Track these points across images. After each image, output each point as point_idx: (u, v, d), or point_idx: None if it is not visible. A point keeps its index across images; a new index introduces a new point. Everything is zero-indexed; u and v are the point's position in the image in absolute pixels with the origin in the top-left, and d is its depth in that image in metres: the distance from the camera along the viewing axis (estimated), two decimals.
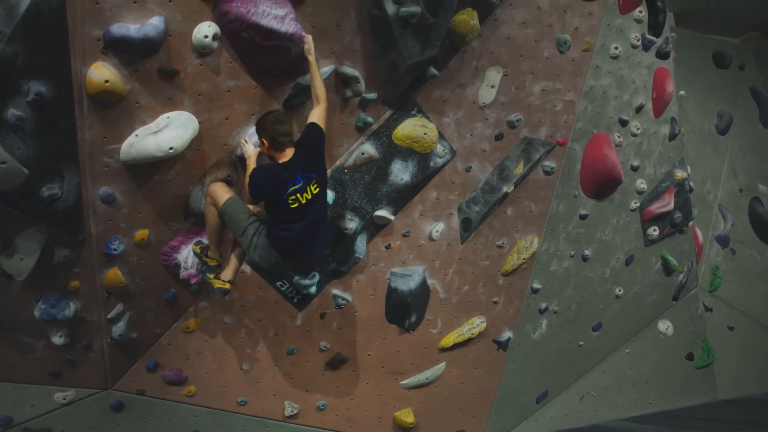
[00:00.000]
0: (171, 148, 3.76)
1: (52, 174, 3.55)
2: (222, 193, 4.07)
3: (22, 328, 4.20)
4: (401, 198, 5.06)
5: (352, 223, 4.85)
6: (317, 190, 3.88)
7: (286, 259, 4.03)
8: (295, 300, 4.98)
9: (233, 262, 4.29)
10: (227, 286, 4.22)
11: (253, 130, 4.23)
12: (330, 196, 4.74)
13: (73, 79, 3.45)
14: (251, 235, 3.99)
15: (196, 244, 4.34)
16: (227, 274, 4.26)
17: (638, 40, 5.80)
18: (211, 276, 4.25)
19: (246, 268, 4.76)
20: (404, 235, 5.19)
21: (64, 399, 4.54)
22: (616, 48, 5.65)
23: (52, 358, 4.38)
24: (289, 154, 3.84)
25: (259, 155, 4.23)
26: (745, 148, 8.35)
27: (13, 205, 3.49)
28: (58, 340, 4.25)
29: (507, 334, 5.91)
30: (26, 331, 4.22)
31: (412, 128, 4.87)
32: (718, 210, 8.00)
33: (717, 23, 8.31)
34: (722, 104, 8.23)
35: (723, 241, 7.91)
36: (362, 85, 4.54)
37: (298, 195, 3.81)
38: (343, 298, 5.11)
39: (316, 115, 3.96)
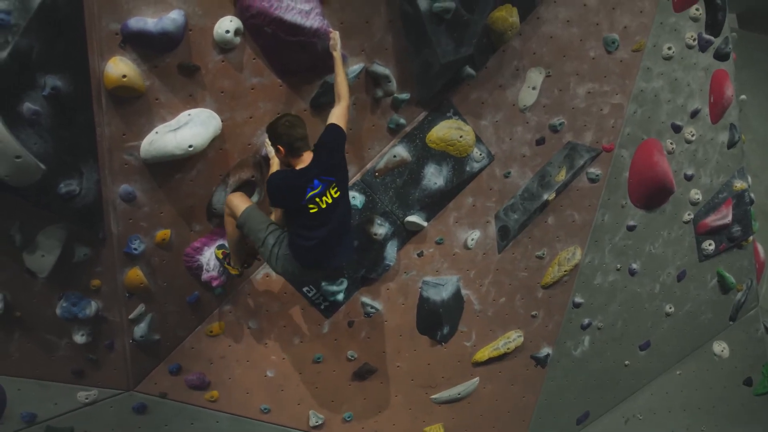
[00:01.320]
0: (190, 146, 3.65)
1: (70, 170, 3.50)
2: (239, 203, 3.97)
3: (45, 326, 4.18)
4: (435, 204, 4.83)
5: (381, 229, 4.65)
6: (338, 193, 3.71)
7: (306, 268, 3.88)
8: (323, 307, 4.82)
9: (232, 252, 4.20)
10: (238, 272, 4.24)
11: None
12: (359, 200, 4.57)
13: (90, 74, 3.39)
14: (271, 246, 3.85)
15: (219, 247, 4.24)
16: (233, 261, 4.23)
17: (694, 40, 5.41)
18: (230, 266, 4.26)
19: (272, 273, 4.63)
20: (438, 243, 4.96)
21: (87, 398, 4.51)
22: (669, 48, 5.28)
23: (75, 357, 4.35)
24: (306, 159, 3.67)
25: None
26: None
27: (31, 201, 3.45)
28: (80, 338, 4.21)
29: (546, 350, 5.59)
30: (49, 329, 4.20)
31: (447, 131, 4.65)
32: None
33: None
34: None
35: None
36: (394, 85, 4.35)
37: (318, 200, 3.64)
38: (373, 307, 4.92)
39: (336, 115, 3.79)
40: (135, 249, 4.02)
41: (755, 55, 7.35)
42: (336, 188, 3.69)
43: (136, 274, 4.13)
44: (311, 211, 3.63)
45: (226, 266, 4.18)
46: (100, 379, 4.48)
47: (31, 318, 4.12)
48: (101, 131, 3.59)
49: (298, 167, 3.65)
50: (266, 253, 3.89)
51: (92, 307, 4.13)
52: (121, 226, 3.95)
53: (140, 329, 4.34)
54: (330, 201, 3.66)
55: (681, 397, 6.47)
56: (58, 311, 4.07)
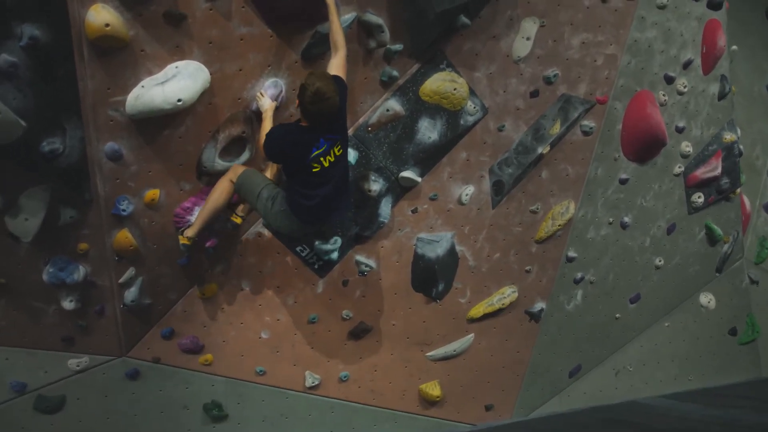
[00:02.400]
0: (179, 101, 3.48)
1: (52, 127, 3.32)
2: (240, 167, 3.94)
3: (32, 293, 4.03)
4: (429, 158, 4.73)
5: (376, 185, 4.55)
6: (340, 151, 3.62)
7: (306, 225, 3.81)
8: (316, 266, 4.73)
9: (200, 221, 4.03)
10: (188, 242, 4.04)
11: (269, 82, 3.94)
12: (352, 155, 4.45)
13: (70, 23, 3.17)
14: (265, 199, 3.76)
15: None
16: (190, 231, 4.04)
17: None
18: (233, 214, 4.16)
19: (264, 231, 4.52)
20: (432, 199, 4.88)
21: (78, 366, 4.38)
22: None
23: (64, 324, 4.22)
24: None
25: (276, 110, 3.96)
26: None
27: (12, 160, 3.27)
28: (68, 305, 4.07)
29: (540, 305, 5.59)
30: (36, 296, 4.06)
31: (440, 83, 4.53)
32: None
33: None
34: None
35: None
36: (387, 35, 4.19)
37: (322, 159, 3.55)
38: (367, 265, 4.84)
39: (335, 66, 3.64)
40: (123, 210, 3.87)
41: (740, 5, 7.27)
42: (339, 146, 3.59)
43: (125, 236, 3.98)
44: (314, 170, 3.53)
45: (179, 236, 4.03)
46: (91, 346, 4.36)
47: (17, 285, 3.97)
48: (84, 85, 3.39)
49: (303, 124, 3.51)
50: (261, 207, 3.81)
51: (80, 271, 3.98)
52: (108, 187, 3.78)
53: (131, 293, 4.21)
54: (333, 159, 3.56)
55: (669, 348, 6.55)
56: (44, 277, 3.92)
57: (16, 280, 3.96)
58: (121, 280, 4.14)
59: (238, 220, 4.16)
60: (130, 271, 4.15)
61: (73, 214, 3.77)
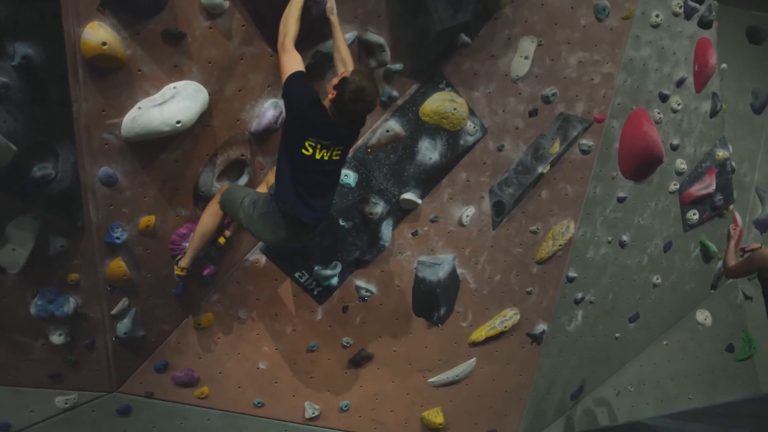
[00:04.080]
0: (178, 122, 3.33)
1: (44, 152, 3.14)
2: (223, 188, 3.76)
3: (18, 327, 3.80)
4: (429, 180, 4.63)
5: (377, 208, 4.42)
6: (337, 157, 3.41)
7: (283, 218, 3.46)
8: (315, 292, 4.57)
9: (191, 249, 3.86)
10: (183, 273, 3.88)
11: (269, 103, 3.81)
12: (352, 178, 4.33)
13: (65, 41, 3.01)
14: (247, 206, 3.52)
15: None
16: (184, 261, 3.87)
17: (680, 7, 5.34)
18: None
19: (262, 258, 4.36)
20: (432, 221, 4.77)
21: (66, 403, 4.15)
22: (657, 16, 5.20)
23: (52, 359, 3.99)
24: None
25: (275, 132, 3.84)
26: None
27: (1, 187, 3.08)
28: (57, 339, 3.86)
29: (541, 327, 5.49)
30: (22, 330, 3.83)
31: (440, 103, 4.45)
32: (755, 193, 7.55)
33: None
34: (757, 82, 7.76)
35: (761, 225, 7.46)
36: (387, 54, 4.10)
37: (316, 146, 3.29)
38: (367, 290, 4.70)
39: None
40: (117, 238, 3.68)
41: (722, 25, 7.38)
42: (338, 153, 3.41)
43: (118, 265, 3.79)
44: (303, 151, 3.28)
45: (175, 267, 3.88)
46: (81, 382, 4.13)
47: (2, 318, 3.73)
48: (78, 107, 3.22)
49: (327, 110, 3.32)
50: (244, 217, 3.55)
51: (70, 303, 3.77)
52: (101, 214, 3.59)
53: (123, 325, 4.01)
54: (326, 158, 3.34)
55: (668, 367, 6.50)
56: (32, 310, 3.70)
57: (1, 313, 3.72)
58: (113, 312, 3.94)
59: (222, 240, 4.01)
60: (123, 302, 3.95)
61: (64, 243, 3.57)
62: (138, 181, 3.62)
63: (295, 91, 3.21)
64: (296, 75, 3.21)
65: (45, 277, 3.66)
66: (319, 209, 3.51)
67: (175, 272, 3.88)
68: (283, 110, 3.86)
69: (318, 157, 3.31)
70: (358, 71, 3.29)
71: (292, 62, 3.23)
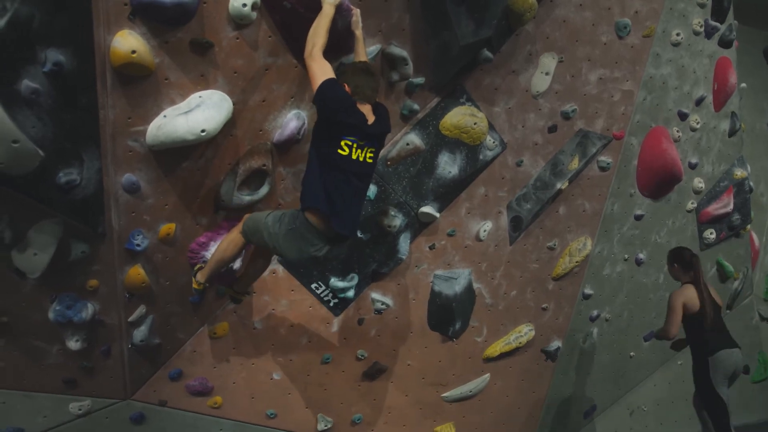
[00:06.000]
0: (203, 131, 3.34)
1: (70, 158, 3.14)
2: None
3: (35, 332, 3.79)
4: (448, 193, 4.62)
5: (396, 220, 4.42)
6: (371, 159, 3.44)
7: (311, 233, 3.39)
8: (332, 304, 4.56)
9: (208, 268, 3.83)
10: (200, 287, 3.85)
11: (292, 113, 3.82)
12: (372, 190, 4.32)
13: (95, 49, 3.04)
14: (271, 224, 3.47)
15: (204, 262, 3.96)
16: (201, 276, 3.84)
17: (701, 26, 5.35)
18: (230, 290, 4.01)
19: (279, 268, 4.35)
20: (449, 235, 4.75)
21: (80, 410, 4.13)
22: (678, 34, 5.21)
23: (67, 365, 3.97)
24: (368, 110, 3.43)
25: (297, 143, 3.84)
26: None
27: (27, 192, 3.09)
28: (74, 344, 3.84)
29: (556, 344, 5.45)
30: (39, 335, 3.82)
31: (461, 117, 4.45)
32: None
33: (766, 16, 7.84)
34: None
35: None
36: (410, 68, 4.11)
37: (352, 146, 3.32)
38: (383, 303, 4.68)
39: None
40: (138, 245, 3.68)
41: (742, 46, 7.38)
42: (371, 153, 3.45)
43: (137, 272, 3.78)
44: (340, 151, 3.30)
45: (193, 278, 3.85)
46: (95, 388, 4.11)
47: (19, 323, 3.72)
48: (105, 114, 3.24)
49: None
50: (269, 237, 3.49)
51: (89, 309, 3.76)
52: (122, 220, 3.59)
53: (140, 333, 4.00)
54: (361, 159, 3.37)
55: (683, 388, 6.40)
56: (50, 315, 3.69)
57: (19, 318, 3.72)
58: (130, 319, 3.93)
59: (199, 287, 3.87)
60: (141, 309, 3.94)
61: (85, 249, 3.57)
62: (160, 188, 3.62)
63: (332, 97, 3.27)
64: (330, 81, 3.27)
65: (64, 283, 3.65)
66: (351, 219, 3.49)
67: (193, 286, 3.87)
68: (306, 122, 3.89)
69: (354, 157, 3.34)
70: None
71: (324, 69, 3.30)
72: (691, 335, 4.85)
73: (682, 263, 4.83)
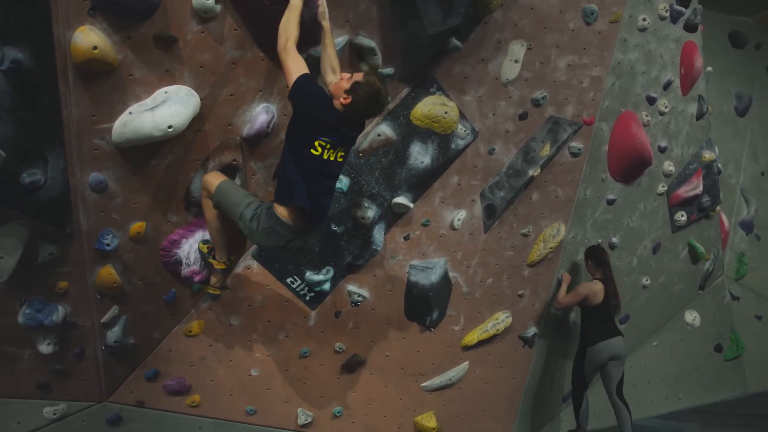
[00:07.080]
0: (170, 127, 3.29)
1: (33, 158, 3.08)
2: (214, 179, 3.63)
3: (5, 337, 3.71)
4: (421, 183, 4.63)
5: (369, 212, 4.41)
6: (341, 158, 3.45)
7: (287, 230, 3.47)
8: (308, 298, 4.54)
9: (218, 243, 3.85)
10: (223, 266, 3.87)
11: (261, 107, 3.78)
12: (344, 182, 4.31)
13: (55, 45, 2.97)
14: (249, 221, 3.49)
15: (204, 242, 3.89)
16: (220, 255, 3.87)
17: (666, 11, 5.42)
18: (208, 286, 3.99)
19: (253, 264, 4.32)
20: (424, 225, 4.76)
21: (55, 414, 4.06)
22: (644, 19, 5.26)
23: (40, 369, 3.90)
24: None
25: (267, 136, 3.80)
26: (765, 130, 8.01)
27: None
28: (45, 348, 3.77)
29: (533, 330, 5.50)
30: (9, 340, 3.74)
31: (431, 107, 4.45)
32: (741, 194, 7.64)
33: (732, 1, 7.95)
34: (740, 85, 7.87)
35: (747, 226, 7.56)
36: (379, 58, 4.10)
37: (325, 146, 3.34)
38: (360, 295, 4.67)
39: None
40: (107, 245, 3.62)
41: (706, 30, 7.48)
42: (342, 155, 3.46)
43: (108, 272, 3.73)
44: (312, 151, 3.31)
45: (210, 260, 3.84)
46: (69, 392, 4.05)
47: None
48: (68, 112, 3.17)
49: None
50: (245, 228, 3.55)
51: (59, 312, 3.70)
52: (91, 220, 3.53)
53: (113, 334, 3.94)
54: (332, 159, 3.39)
55: (659, 368, 6.54)
56: (20, 319, 3.62)
57: None
58: (103, 320, 3.87)
59: (222, 266, 3.90)
60: (114, 310, 3.89)
61: (53, 251, 3.51)
62: (129, 187, 3.57)
63: (308, 92, 3.25)
64: (306, 77, 3.25)
65: (33, 286, 3.58)
66: (322, 213, 3.60)
67: (216, 266, 3.86)
68: (275, 115, 3.85)
69: (325, 157, 3.35)
70: (370, 73, 3.37)
71: (299, 65, 3.28)
72: (583, 322, 5.42)
73: (595, 260, 5.34)
